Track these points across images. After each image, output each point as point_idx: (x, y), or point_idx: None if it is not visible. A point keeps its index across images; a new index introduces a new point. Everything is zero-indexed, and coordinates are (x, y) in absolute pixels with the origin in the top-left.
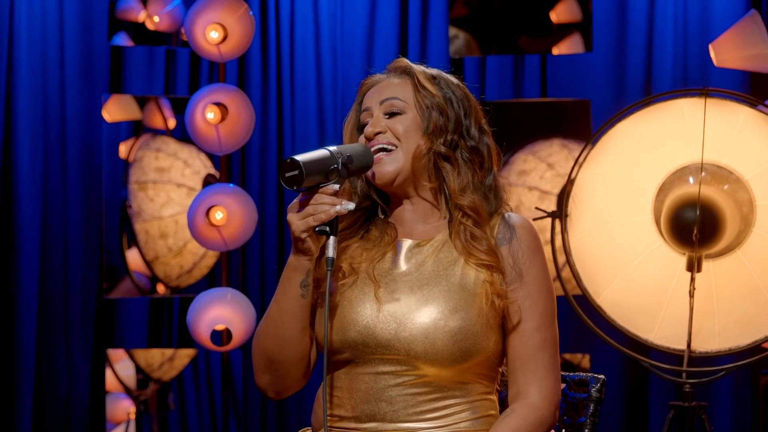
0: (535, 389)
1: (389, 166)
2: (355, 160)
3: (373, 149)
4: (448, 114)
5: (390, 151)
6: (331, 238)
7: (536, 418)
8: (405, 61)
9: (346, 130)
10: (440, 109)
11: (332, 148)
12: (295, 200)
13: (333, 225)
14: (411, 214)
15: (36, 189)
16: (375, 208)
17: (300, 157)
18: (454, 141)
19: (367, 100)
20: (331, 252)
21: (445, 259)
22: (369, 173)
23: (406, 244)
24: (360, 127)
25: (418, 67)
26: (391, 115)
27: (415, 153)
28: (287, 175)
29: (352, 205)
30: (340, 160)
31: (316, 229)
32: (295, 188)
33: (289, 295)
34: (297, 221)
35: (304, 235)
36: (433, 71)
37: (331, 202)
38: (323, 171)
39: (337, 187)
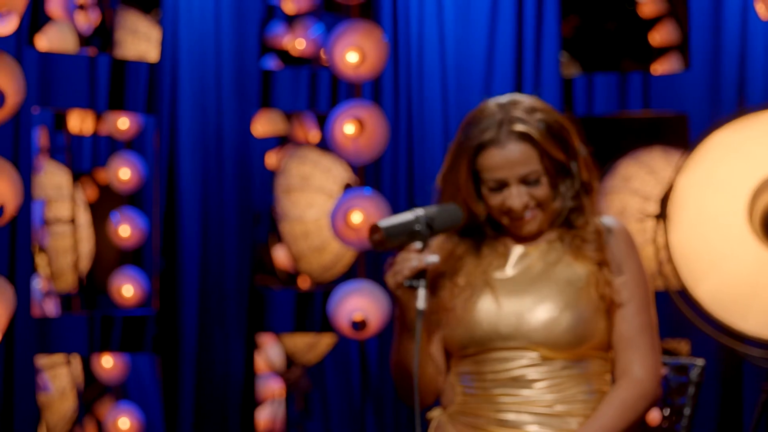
0: (638, 366)
1: (534, 227)
2: (441, 221)
3: (513, 215)
4: (570, 164)
5: (535, 213)
6: (421, 290)
7: (642, 390)
8: (521, 125)
9: (460, 178)
10: (567, 165)
11: (419, 211)
12: (388, 260)
13: (421, 278)
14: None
15: (196, 195)
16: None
17: (383, 223)
18: (580, 182)
19: (497, 170)
20: (420, 303)
21: (552, 260)
22: (513, 228)
23: (517, 251)
24: (473, 178)
25: (536, 130)
26: (528, 183)
27: (554, 211)
28: (373, 239)
29: (434, 258)
30: (423, 223)
31: (405, 283)
32: (382, 250)
33: (406, 334)
34: (388, 279)
35: (396, 291)
36: (539, 115)
37: (414, 258)
38: (407, 232)
39: (419, 245)
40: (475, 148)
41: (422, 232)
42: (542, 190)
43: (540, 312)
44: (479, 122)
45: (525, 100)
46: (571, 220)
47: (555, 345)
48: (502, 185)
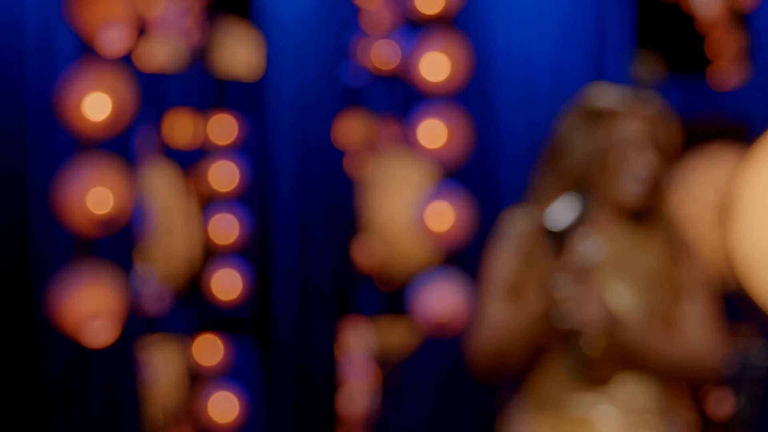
0: None
1: (637, 199)
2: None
3: (636, 179)
4: (669, 157)
5: (644, 184)
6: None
7: (701, 369)
8: (648, 108)
9: (600, 140)
10: (669, 155)
11: (573, 206)
12: (565, 265)
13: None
14: (608, 215)
15: (291, 197)
16: None
17: (554, 226)
18: (665, 177)
19: (631, 132)
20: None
21: (625, 250)
22: (619, 194)
23: (593, 241)
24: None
25: (659, 113)
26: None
27: (649, 193)
28: (550, 241)
29: (598, 257)
30: (579, 219)
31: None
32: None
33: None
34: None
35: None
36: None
37: (586, 264)
38: (570, 231)
39: (586, 248)
40: (612, 116)
41: (581, 231)
42: (659, 165)
43: (613, 303)
44: (603, 106)
45: None
46: (647, 211)
47: None
48: (630, 146)
